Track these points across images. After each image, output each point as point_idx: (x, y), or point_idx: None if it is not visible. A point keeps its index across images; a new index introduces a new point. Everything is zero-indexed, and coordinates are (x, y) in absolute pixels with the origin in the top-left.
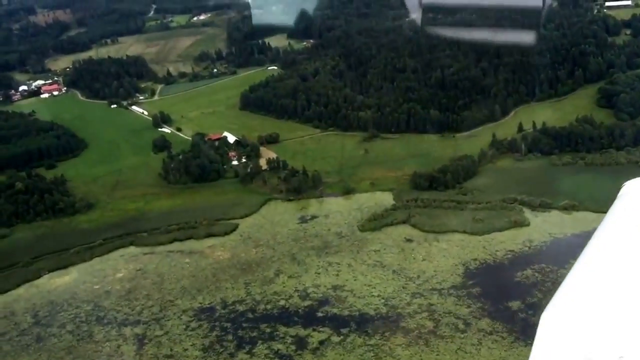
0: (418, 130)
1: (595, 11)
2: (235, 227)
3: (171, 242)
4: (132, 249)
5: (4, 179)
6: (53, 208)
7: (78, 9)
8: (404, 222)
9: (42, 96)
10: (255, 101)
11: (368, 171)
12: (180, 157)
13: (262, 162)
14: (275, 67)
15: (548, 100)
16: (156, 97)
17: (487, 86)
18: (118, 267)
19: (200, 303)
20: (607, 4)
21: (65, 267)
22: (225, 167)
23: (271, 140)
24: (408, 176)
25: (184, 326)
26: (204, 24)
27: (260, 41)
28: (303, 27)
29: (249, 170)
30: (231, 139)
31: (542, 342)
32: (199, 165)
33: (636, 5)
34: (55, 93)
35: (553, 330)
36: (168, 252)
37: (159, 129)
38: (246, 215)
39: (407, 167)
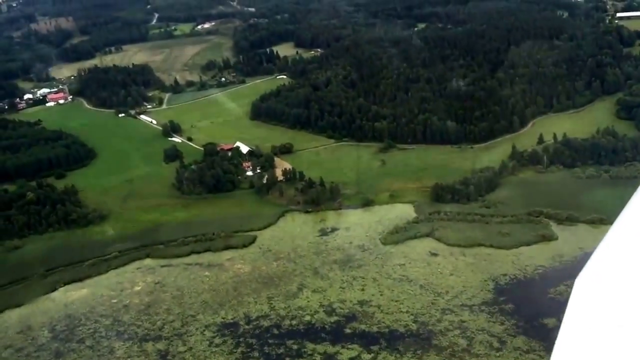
0: (435, 141)
1: (607, 21)
2: (253, 240)
3: (189, 254)
4: (148, 261)
5: (14, 188)
6: (65, 219)
7: (80, 17)
8: (427, 235)
9: (48, 105)
10: (266, 111)
11: (386, 183)
12: (194, 167)
13: (278, 173)
14: (285, 76)
15: (566, 111)
16: (164, 106)
17: (504, 97)
18: (135, 280)
19: (223, 318)
20: (619, 14)
21: (80, 279)
22: (239, 177)
23: (285, 151)
24: (428, 188)
25: (208, 342)
26: (209, 32)
27: (268, 50)
28: (310, 36)
29: (264, 181)
30: (244, 149)
31: (575, 308)
32: (213, 176)
33: None
34: (61, 101)
35: (586, 296)
36: (186, 264)
37: (169, 139)
38: (264, 227)
39: (426, 179)
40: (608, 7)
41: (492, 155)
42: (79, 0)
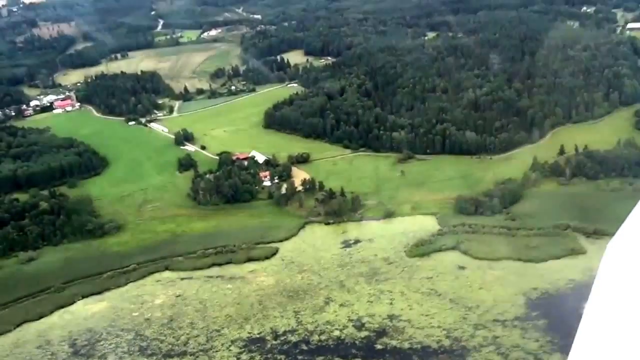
0: (453, 152)
1: (618, 32)
2: (275, 251)
3: (209, 266)
4: (168, 274)
5: (26, 198)
6: (81, 229)
7: (83, 22)
8: (453, 248)
9: (55, 112)
10: (280, 119)
11: (407, 194)
12: (210, 176)
13: (297, 183)
14: (296, 85)
15: (584, 122)
16: (175, 114)
17: (523, 108)
18: (156, 292)
19: (249, 333)
20: (629, 25)
21: (99, 292)
22: (256, 187)
23: (301, 160)
24: (450, 199)
25: (235, 358)
26: (215, 39)
27: (278, 57)
28: (320, 44)
29: (283, 191)
30: (260, 158)
31: (607, 272)
32: (231, 186)
33: None
34: (69, 109)
35: (618, 260)
36: (207, 277)
37: (182, 147)
38: (285, 239)
39: (447, 190)
40: (618, 17)
41: (512, 166)
42: (81, 5)
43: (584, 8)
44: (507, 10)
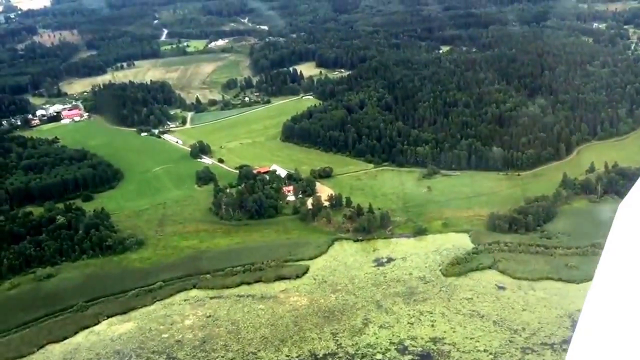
0: (479, 167)
1: (633, 48)
2: (306, 270)
3: (238, 285)
4: (195, 292)
5: (40, 212)
6: (100, 245)
7: (85, 30)
8: (490, 267)
9: (63, 122)
10: (299, 132)
11: (436, 210)
12: (231, 190)
13: (323, 198)
14: (311, 97)
15: (609, 139)
16: (188, 125)
17: (548, 123)
18: (185, 312)
19: (287, 356)
20: None
21: (124, 312)
22: (280, 202)
23: (324, 175)
24: (481, 216)
25: None
26: (223, 49)
27: (291, 69)
28: (333, 56)
29: (310, 206)
30: (282, 172)
31: (619, 232)
32: (255, 201)
33: None
34: (77, 119)
35: (630, 221)
36: (237, 296)
37: (199, 160)
38: (315, 257)
39: (477, 207)
40: (630, 33)
41: (541, 183)
42: (82, 13)
43: (595, 24)
44: (519, 25)
